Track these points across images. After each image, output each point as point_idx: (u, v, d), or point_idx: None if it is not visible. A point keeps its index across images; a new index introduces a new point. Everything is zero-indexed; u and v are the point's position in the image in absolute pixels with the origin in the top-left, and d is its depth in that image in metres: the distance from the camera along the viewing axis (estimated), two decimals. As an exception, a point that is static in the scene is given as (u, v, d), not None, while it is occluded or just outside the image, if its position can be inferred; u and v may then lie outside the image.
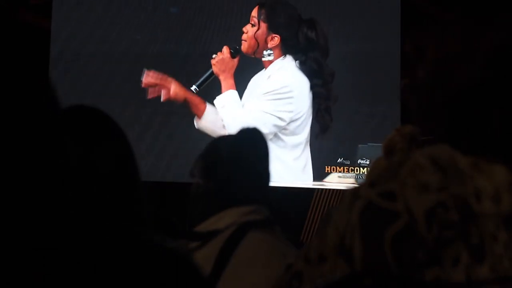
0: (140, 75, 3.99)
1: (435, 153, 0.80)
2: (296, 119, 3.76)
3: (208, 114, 3.81)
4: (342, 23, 4.17)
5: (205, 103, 3.82)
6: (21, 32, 0.76)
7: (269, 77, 3.77)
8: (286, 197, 3.73)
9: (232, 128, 3.70)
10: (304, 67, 3.79)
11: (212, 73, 3.83)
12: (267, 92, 3.71)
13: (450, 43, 0.89)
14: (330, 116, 3.90)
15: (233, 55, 3.83)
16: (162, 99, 3.84)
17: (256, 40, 3.80)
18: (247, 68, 3.94)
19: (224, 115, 3.77)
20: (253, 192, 1.87)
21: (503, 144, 0.84)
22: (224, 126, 3.78)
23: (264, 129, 3.66)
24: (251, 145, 1.95)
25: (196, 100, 3.81)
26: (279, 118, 3.71)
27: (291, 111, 3.72)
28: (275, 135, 3.75)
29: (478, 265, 0.76)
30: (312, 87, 3.81)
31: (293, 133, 3.78)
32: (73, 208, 0.77)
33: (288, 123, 3.74)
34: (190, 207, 1.93)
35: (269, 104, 3.70)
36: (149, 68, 3.93)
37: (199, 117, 3.82)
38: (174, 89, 3.79)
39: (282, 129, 3.75)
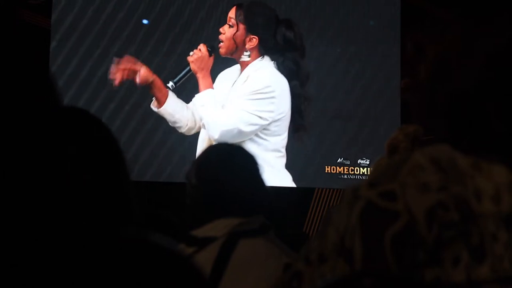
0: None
1: (435, 153, 0.80)
2: (278, 119, 3.74)
3: (171, 99, 3.79)
4: (342, 24, 4.18)
5: (166, 88, 3.81)
6: (21, 32, 0.76)
7: (247, 77, 3.74)
8: (286, 197, 3.73)
9: (212, 127, 3.69)
10: (282, 68, 3.77)
11: (190, 70, 3.79)
12: (249, 92, 3.68)
13: (450, 43, 0.89)
14: (302, 115, 3.88)
15: (210, 53, 3.80)
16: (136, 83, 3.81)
17: (235, 41, 3.78)
18: (222, 66, 3.91)
19: (203, 114, 3.74)
20: (250, 196, 1.87)
21: (503, 144, 0.83)
22: (203, 125, 3.76)
23: (246, 128, 3.66)
24: (244, 150, 1.97)
25: (160, 83, 3.79)
26: (260, 117, 3.69)
27: (272, 111, 3.70)
28: (257, 135, 3.73)
29: (478, 265, 0.76)
30: (291, 88, 3.79)
31: (274, 134, 3.76)
32: (72, 208, 0.77)
33: (270, 123, 3.72)
34: (186, 210, 1.93)
35: (251, 104, 3.68)
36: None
37: (162, 102, 3.79)
38: (143, 72, 3.77)
39: (264, 129, 3.73)
